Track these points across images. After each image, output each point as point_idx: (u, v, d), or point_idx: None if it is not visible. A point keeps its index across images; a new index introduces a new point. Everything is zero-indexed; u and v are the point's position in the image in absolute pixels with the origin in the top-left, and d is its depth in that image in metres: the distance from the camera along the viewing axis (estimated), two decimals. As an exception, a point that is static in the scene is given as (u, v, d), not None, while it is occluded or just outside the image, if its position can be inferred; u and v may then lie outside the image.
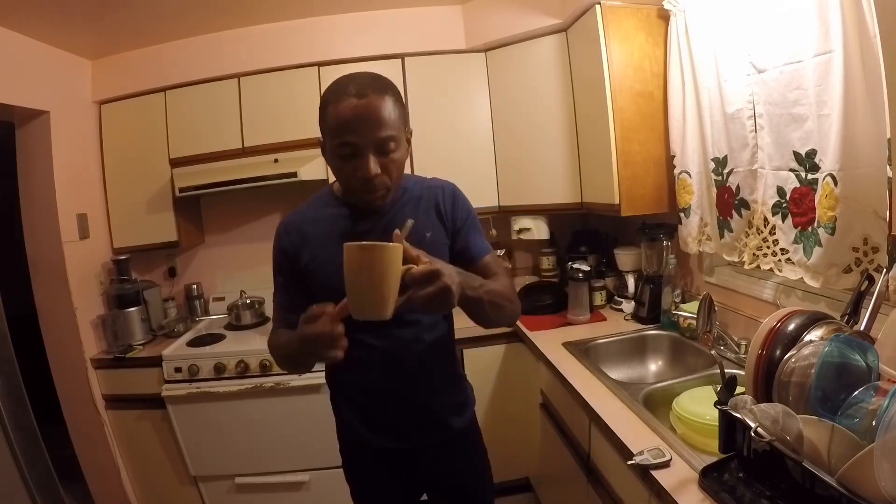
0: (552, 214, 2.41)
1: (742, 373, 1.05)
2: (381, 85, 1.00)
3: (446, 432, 1.22)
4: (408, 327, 1.13)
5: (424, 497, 1.34)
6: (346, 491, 2.40)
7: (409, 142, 1.08)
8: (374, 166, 0.97)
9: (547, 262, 2.58)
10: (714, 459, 1.01)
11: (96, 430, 2.20)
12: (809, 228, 1.27)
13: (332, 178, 2.29)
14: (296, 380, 2.09)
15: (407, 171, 2.50)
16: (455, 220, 1.14)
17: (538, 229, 2.40)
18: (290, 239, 1.13)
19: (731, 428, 0.97)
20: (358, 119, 0.95)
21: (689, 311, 1.72)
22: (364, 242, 0.82)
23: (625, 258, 2.23)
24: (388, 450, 1.20)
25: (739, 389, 1.00)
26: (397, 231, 0.88)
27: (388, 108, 0.98)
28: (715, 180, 1.64)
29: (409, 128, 1.07)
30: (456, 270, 0.93)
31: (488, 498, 1.34)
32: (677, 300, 1.85)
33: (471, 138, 2.39)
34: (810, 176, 1.25)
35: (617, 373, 1.69)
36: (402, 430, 1.19)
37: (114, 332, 2.24)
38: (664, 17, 1.81)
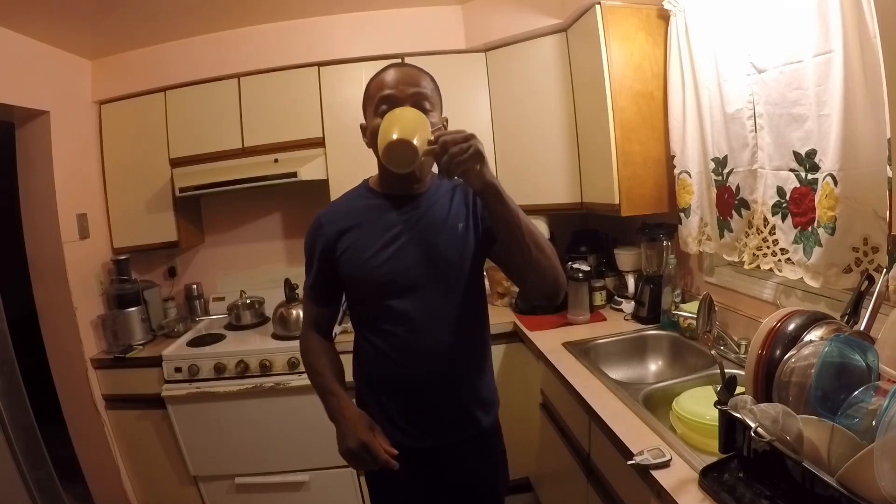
0: (552, 214, 2.40)
1: (742, 373, 1.05)
2: (419, 67, 1.14)
3: (472, 430, 1.20)
4: (436, 317, 1.12)
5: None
6: (346, 491, 2.40)
7: (444, 126, 1.13)
8: None
9: (547, 262, 2.57)
10: (714, 459, 1.01)
11: (96, 430, 2.20)
12: (809, 228, 1.27)
13: (332, 179, 2.31)
14: (296, 380, 2.09)
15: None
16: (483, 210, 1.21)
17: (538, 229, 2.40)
18: (325, 230, 1.16)
19: (731, 428, 0.97)
20: (396, 79, 1.08)
21: (689, 311, 1.72)
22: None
23: (625, 258, 2.23)
24: (411, 448, 1.15)
25: (739, 389, 1.00)
26: None
27: (425, 78, 1.11)
28: (715, 180, 1.64)
29: (443, 114, 1.15)
30: None
31: (502, 497, 1.32)
32: (677, 300, 1.84)
33: (470, 138, 2.39)
34: (810, 176, 1.25)
35: (617, 373, 1.69)
36: (427, 428, 1.16)
37: (114, 332, 2.24)
38: (664, 17, 1.81)
